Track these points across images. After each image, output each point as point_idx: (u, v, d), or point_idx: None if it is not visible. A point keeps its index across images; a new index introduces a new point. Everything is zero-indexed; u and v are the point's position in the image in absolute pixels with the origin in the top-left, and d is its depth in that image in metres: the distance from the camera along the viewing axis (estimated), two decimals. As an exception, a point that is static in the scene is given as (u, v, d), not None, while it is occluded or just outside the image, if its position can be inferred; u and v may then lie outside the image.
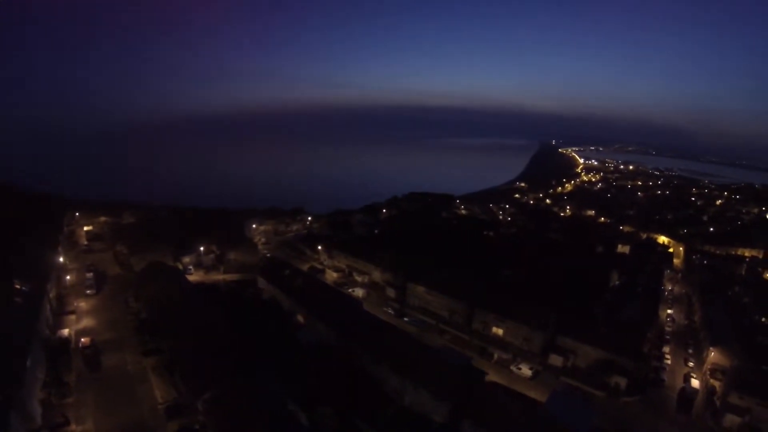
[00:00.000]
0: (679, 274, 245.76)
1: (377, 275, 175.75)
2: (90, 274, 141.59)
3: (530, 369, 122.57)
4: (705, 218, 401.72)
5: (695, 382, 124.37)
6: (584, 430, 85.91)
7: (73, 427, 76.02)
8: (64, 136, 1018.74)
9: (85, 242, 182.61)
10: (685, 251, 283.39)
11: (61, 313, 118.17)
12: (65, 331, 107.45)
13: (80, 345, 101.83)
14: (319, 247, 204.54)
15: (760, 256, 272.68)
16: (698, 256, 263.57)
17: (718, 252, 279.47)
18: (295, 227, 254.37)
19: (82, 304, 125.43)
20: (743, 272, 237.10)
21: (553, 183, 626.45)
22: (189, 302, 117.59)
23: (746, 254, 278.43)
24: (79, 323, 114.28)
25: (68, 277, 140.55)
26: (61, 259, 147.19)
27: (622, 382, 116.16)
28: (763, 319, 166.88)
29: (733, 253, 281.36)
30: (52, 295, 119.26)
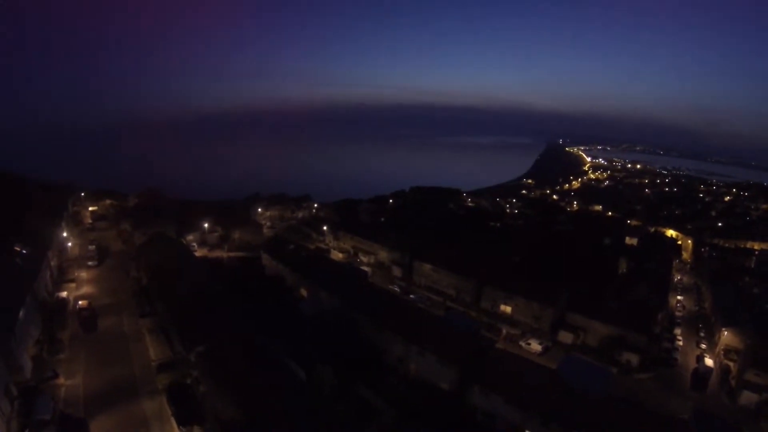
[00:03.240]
0: (688, 266, 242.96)
1: (383, 255, 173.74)
2: (92, 247, 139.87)
3: (540, 344, 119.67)
4: (713, 213, 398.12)
5: (709, 362, 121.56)
6: (600, 392, 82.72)
7: (61, 380, 74.61)
8: (74, 132, 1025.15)
9: (90, 221, 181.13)
10: (694, 244, 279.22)
11: (61, 281, 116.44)
12: (63, 293, 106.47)
13: (78, 307, 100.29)
14: (325, 228, 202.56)
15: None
16: (707, 248, 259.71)
17: (726, 245, 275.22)
18: (300, 214, 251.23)
19: (83, 274, 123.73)
20: (753, 265, 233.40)
21: (560, 180, 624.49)
22: (188, 267, 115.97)
23: (756, 247, 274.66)
24: (78, 290, 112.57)
25: (71, 251, 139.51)
26: (65, 234, 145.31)
27: (634, 359, 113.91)
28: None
29: (743, 246, 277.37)
30: (53, 263, 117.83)
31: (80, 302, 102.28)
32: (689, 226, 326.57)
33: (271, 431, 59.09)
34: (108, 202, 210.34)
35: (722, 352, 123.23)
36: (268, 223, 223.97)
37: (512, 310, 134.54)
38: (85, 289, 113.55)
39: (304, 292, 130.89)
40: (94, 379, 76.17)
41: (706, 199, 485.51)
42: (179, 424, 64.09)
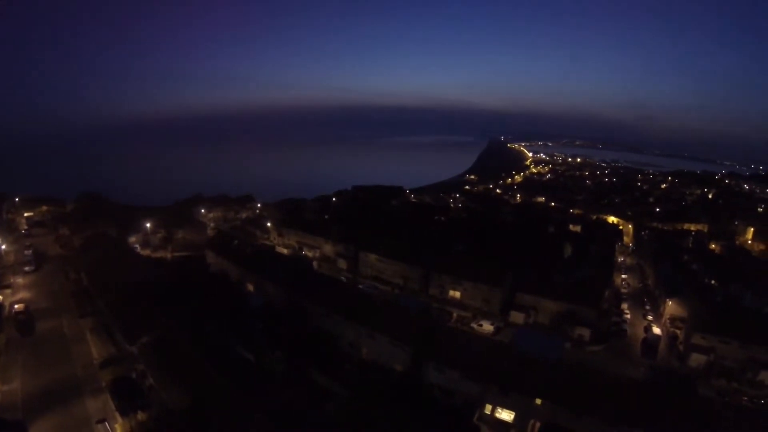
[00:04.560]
0: (630, 248, 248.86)
1: (328, 248, 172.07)
2: (29, 252, 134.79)
3: (492, 325, 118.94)
4: (651, 200, 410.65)
5: (657, 330, 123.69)
6: (556, 358, 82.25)
7: None
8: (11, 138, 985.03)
9: (26, 227, 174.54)
10: (634, 228, 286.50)
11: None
12: None
13: (13, 311, 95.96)
14: (269, 224, 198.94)
15: (705, 230, 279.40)
16: (647, 232, 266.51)
17: (665, 228, 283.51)
18: (245, 214, 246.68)
19: (20, 280, 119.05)
20: (690, 244, 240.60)
21: (503, 175, 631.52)
22: (130, 264, 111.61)
23: (692, 228, 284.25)
24: (14, 296, 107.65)
25: (6, 257, 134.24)
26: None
27: (586, 333, 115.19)
28: (713, 282, 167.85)
29: (680, 228, 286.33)
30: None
31: (16, 306, 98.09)
32: (629, 213, 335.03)
33: (220, 415, 55.99)
34: (44, 208, 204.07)
35: (668, 321, 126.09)
36: (212, 224, 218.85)
37: (461, 294, 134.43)
38: (22, 295, 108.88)
39: (250, 287, 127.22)
40: (33, 382, 72.67)
41: (644, 187, 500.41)
42: (121, 414, 60.66)
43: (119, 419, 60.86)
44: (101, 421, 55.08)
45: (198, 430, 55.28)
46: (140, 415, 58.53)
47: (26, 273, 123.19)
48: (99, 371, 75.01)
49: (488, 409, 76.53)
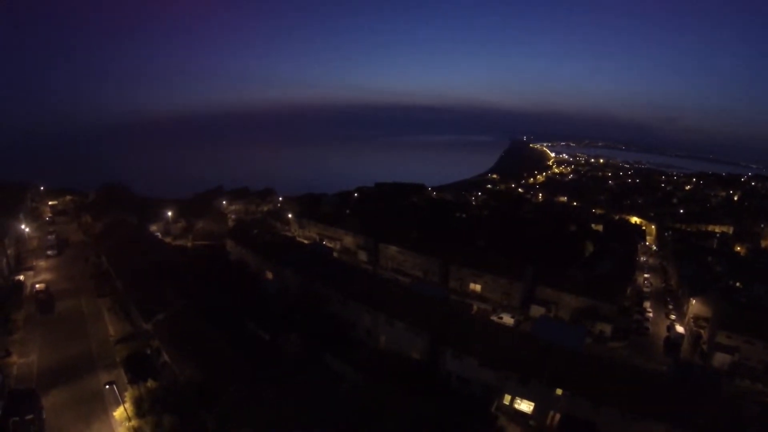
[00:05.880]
0: (653, 249, 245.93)
1: (348, 240, 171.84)
2: (52, 237, 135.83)
3: (512, 318, 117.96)
4: (674, 201, 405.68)
5: (680, 328, 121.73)
6: (577, 348, 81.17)
7: (14, 359, 71.70)
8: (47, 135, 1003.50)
9: (50, 215, 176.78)
10: (657, 229, 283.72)
11: (18, 270, 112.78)
12: (20, 277, 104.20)
13: (34, 290, 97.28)
14: (290, 216, 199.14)
15: (730, 232, 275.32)
16: (670, 232, 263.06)
17: (688, 229, 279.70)
18: (265, 207, 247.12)
19: (42, 263, 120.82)
20: (714, 245, 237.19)
21: (525, 175, 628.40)
22: (148, 246, 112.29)
23: (717, 230, 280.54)
24: (36, 277, 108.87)
25: (30, 242, 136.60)
26: (23, 227, 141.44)
27: (607, 329, 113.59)
28: (738, 284, 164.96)
29: (704, 229, 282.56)
30: (10, 252, 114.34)
31: (37, 285, 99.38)
32: (652, 213, 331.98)
33: (232, 387, 56.12)
34: (68, 198, 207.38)
35: (692, 320, 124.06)
36: (233, 216, 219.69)
37: (481, 287, 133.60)
38: (44, 276, 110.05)
39: (269, 275, 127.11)
40: (50, 357, 73.64)
41: (667, 189, 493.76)
42: (131, 382, 61.56)
43: (129, 388, 61.03)
44: (110, 383, 55.44)
45: (208, 400, 55.37)
46: (150, 383, 58.62)
47: (49, 257, 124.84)
48: (114, 347, 75.76)
49: (507, 399, 75.35)
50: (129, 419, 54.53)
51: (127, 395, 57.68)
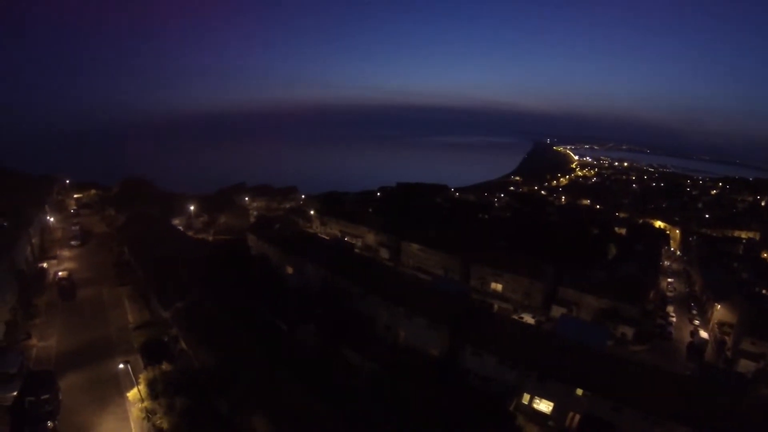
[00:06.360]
0: (677, 253, 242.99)
1: (370, 237, 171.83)
2: (76, 227, 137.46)
3: (533, 318, 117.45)
4: (700, 206, 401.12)
5: (704, 334, 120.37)
6: (599, 348, 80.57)
7: (34, 342, 72.88)
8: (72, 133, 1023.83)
9: (74, 208, 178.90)
10: (682, 233, 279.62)
11: (43, 258, 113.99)
12: (44, 265, 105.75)
13: (57, 277, 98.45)
14: (312, 212, 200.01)
15: (757, 238, 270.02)
16: (695, 237, 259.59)
17: (714, 234, 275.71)
18: (287, 204, 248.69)
19: (66, 253, 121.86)
20: (740, 252, 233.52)
21: (548, 177, 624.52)
22: (171, 240, 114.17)
23: (743, 236, 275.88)
24: (59, 266, 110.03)
25: (54, 233, 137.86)
26: (49, 218, 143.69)
27: (629, 331, 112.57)
28: (764, 291, 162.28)
29: (730, 235, 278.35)
30: (34, 240, 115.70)
31: (60, 273, 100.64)
32: (676, 218, 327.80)
33: (248, 374, 56.83)
34: (93, 191, 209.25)
35: (716, 326, 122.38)
36: (255, 213, 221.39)
37: (502, 287, 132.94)
38: (67, 265, 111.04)
39: (290, 270, 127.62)
40: (69, 341, 74.54)
41: (693, 193, 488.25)
42: (146, 365, 62.37)
43: (143, 371, 61.89)
44: (125, 362, 56.46)
45: (223, 384, 55.86)
46: (164, 366, 59.39)
47: (72, 247, 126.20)
48: (132, 334, 76.71)
49: (526, 398, 74.74)
50: (142, 400, 55.14)
51: (141, 377, 58.42)
